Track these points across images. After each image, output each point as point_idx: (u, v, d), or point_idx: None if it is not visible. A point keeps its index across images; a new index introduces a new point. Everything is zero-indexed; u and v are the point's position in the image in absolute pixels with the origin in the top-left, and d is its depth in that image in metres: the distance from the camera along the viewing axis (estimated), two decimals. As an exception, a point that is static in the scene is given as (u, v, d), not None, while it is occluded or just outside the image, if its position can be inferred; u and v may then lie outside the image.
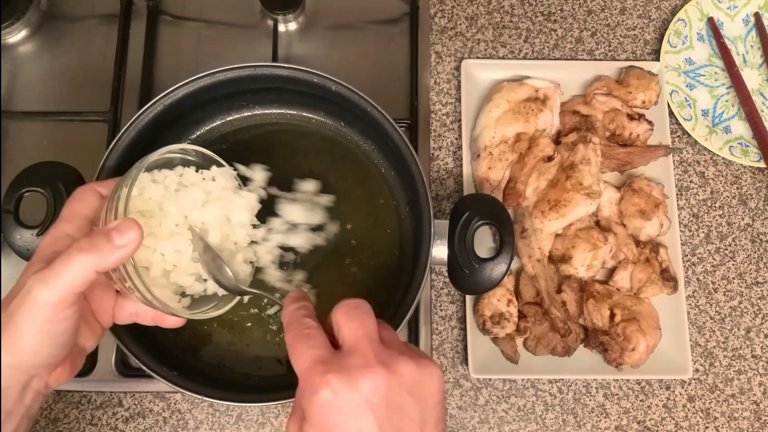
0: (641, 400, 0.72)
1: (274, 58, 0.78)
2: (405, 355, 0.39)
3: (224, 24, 0.82)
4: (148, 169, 0.55)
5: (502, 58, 0.83)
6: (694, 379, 0.73)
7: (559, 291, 0.72)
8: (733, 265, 0.77)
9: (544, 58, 0.83)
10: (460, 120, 0.79)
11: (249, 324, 0.67)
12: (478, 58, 0.82)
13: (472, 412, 0.71)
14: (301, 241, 0.66)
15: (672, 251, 0.73)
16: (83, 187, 0.52)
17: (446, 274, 0.63)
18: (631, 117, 0.75)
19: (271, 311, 0.66)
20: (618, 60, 0.83)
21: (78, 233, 0.49)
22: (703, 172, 0.80)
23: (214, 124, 0.72)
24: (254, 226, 0.61)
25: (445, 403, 0.41)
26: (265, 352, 0.66)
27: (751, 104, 0.79)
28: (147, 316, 0.53)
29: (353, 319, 0.40)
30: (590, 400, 0.72)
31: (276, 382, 0.64)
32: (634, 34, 0.84)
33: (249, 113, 0.72)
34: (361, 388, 0.37)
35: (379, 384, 0.37)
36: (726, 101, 0.82)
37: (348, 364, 0.38)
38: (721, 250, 0.77)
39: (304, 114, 0.72)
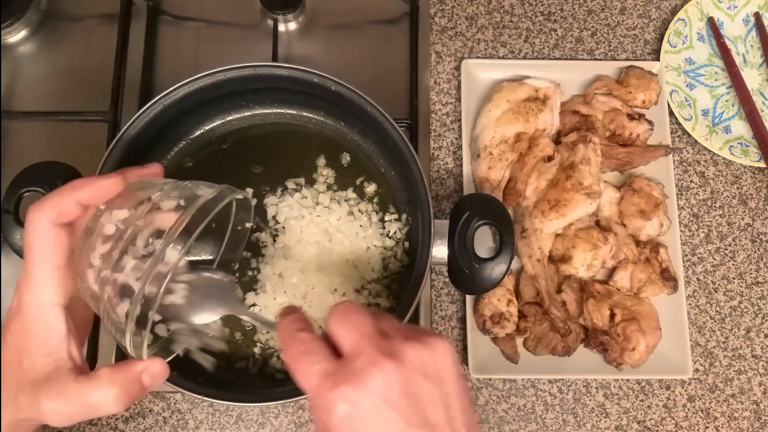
0: (641, 400, 0.72)
1: (274, 58, 0.78)
2: (410, 340, 0.37)
3: (224, 24, 0.82)
4: None
5: (502, 58, 0.83)
6: (694, 379, 0.73)
7: (559, 291, 0.71)
8: (733, 265, 0.77)
9: (544, 58, 0.83)
10: (460, 120, 0.79)
11: (249, 324, 0.67)
12: (478, 57, 0.82)
13: (472, 412, 0.71)
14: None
15: (672, 251, 0.73)
16: (44, 225, 0.41)
17: (446, 274, 0.63)
18: (631, 117, 0.75)
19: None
20: (618, 60, 0.83)
21: (59, 297, 0.42)
22: (703, 172, 0.80)
23: (214, 124, 0.72)
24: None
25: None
26: (265, 353, 0.66)
27: (751, 104, 0.79)
28: None
29: (346, 323, 0.38)
30: (590, 400, 0.72)
31: (276, 382, 0.65)
32: (634, 34, 0.84)
33: (249, 113, 0.72)
34: (375, 388, 0.35)
35: (391, 378, 0.35)
36: (726, 101, 0.82)
37: (355, 369, 0.36)
38: (721, 250, 0.77)
39: (304, 114, 0.72)
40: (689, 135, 0.79)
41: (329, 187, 0.70)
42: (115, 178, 0.43)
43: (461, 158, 0.77)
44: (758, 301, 0.76)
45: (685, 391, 0.73)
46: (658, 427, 0.72)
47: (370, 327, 0.38)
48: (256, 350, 0.66)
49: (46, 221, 0.41)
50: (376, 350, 0.36)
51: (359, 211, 0.69)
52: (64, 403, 0.41)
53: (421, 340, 0.37)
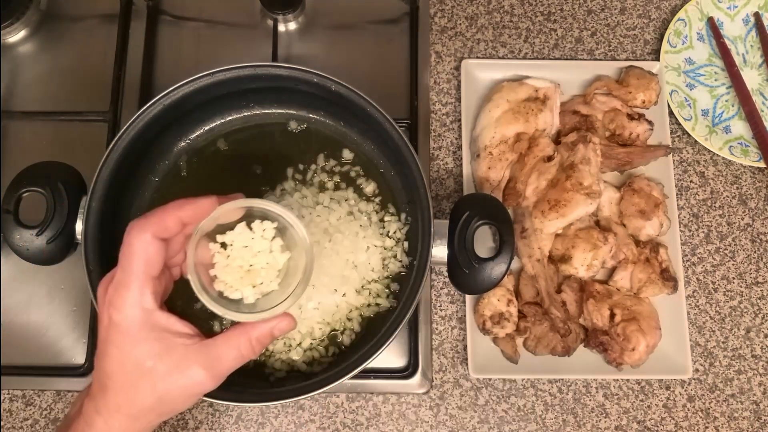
0: (641, 400, 0.72)
1: (274, 58, 0.78)
2: None
3: (224, 24, 0.82)
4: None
5: (502, 58, 0.83)
6: (694, 379, 0.73)
7: (559, 291, 0.71)
8: (733, 265, 0.77)
9: (544, 58, 0.83)
10: (460, 120, 0.79)
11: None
12: (478, 58, 0.82)
13: (472, 412, 0.71)
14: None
15: (672, 251, 0.73)
16: (148, 238, 0.45)
17: (446, 274, 0.63)
18: (631, 117, 0.75)
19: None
20: (618, 60, 0.83)
21: (157, 302, 0.46)
22: (703, 172, 0.80)
23: (214, 124, 0.72)
24: None
25: None
26: (263, 353, 0.66)
27: (751, 104, 0.79)
28: None
29: None
30: (590, 400, 0.72)
31: (274, 382, 0.65)
32: (634, 34, 0.84)
33: (249, 113, 0.72)
34: None
35: None
36: (726, 101, 0.82)
37: None
38: (721, 250, 0.77)
39: (304, 114, 0.72)
40: (689, 135, 0.79)
41: (329, 187, 0.70)
42: (211, 198, 0.46)
43: (461, 158, 0.77)
44: (758, 301, 0.76)
45: (685, 391, 0.73)
46: (658, 427, 0.72)
47: None
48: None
49: (150, 236, 0.44)
50: None
51: (359, 211, 0.69)
52: (215, 362, 0.46)
53: None
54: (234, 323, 0.48)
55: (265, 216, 0.49)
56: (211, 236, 0.48)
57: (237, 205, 0.47)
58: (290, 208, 0.50)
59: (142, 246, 0.44)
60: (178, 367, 0.45)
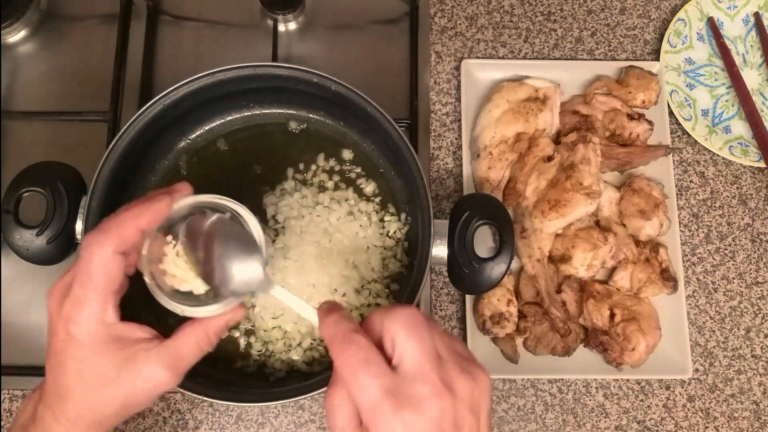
0: (641, 400, 0.72)
1: (274, 58, 0.78)
2: (463, 372, 0.38)
3: (224, 24, 0.82)
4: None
5: (502, 58, 0.83)
6: (694, 379, 0.73)
7: (559, 291, 0.71)
8: (733, 265, 0.77)
9: (544, 58, 0.83)
10: (460, 120, 0.79)
11: (249, 322, 0.67)
12: (478, 58, 0.82)
13: (472, 412, 0.71)
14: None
15: (672, 251, 0.73)
16: (109, 255, 0.43)
17: (446, 274, 0.63)
18: (631, 117, 0.75)
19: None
20: (618, 60, 0.83)
21: (117, 315, 0.45)
22: (703, 172, 0.80)
23: (214, 124, 0.72)
24: None
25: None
26: (263, 353, 0.66)
27: (751, 104, 0.79)
28: None
29: (414, 338, 0.38)
30: (590, 400, 0.72)
31: (274, 382, 0.65)
32: (634, 34, 0.84)
33: (249, 113, 0.72)
34: (432, 416, 0.36)
35: (446, 409, 0.37)
36: (726, 101, 0.82)
37: (416, 393, 0.37)
38: (721, 250, 0.77)
39: (304, 114, 0.72)
40: (689, 135, 0.79)
41: (329, 187, 0.70)
42: (163, 200, 0.45)
43: (461, 158, 0.77)
44: (758, 301, 0.76)
45: (685, 391, 0.73)
46: (658, 427, 0.72)
47: (432, 347, 0.38)
48: (254, 351, 0.66)
49: (111, 251, 0.43)
50: (438, 379, 0.37)
51: (359, 211, 0.69)
52: (177, 361, 0.46)
53: (471, 372, 0.39)
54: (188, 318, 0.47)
55: (216, 209, 0.48)
56: (159, 229, 0.47)
57: (189, 203, 0.47)
58: (243, 206, 0.49)
59: (103, 263, 0.43)
60: (141, 373, 0.45)
